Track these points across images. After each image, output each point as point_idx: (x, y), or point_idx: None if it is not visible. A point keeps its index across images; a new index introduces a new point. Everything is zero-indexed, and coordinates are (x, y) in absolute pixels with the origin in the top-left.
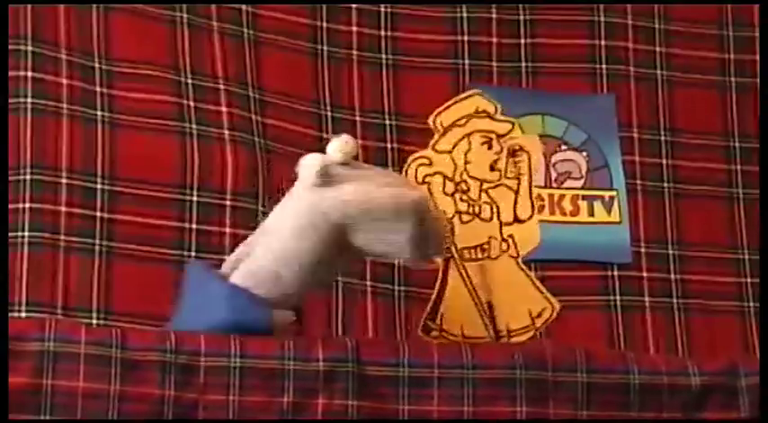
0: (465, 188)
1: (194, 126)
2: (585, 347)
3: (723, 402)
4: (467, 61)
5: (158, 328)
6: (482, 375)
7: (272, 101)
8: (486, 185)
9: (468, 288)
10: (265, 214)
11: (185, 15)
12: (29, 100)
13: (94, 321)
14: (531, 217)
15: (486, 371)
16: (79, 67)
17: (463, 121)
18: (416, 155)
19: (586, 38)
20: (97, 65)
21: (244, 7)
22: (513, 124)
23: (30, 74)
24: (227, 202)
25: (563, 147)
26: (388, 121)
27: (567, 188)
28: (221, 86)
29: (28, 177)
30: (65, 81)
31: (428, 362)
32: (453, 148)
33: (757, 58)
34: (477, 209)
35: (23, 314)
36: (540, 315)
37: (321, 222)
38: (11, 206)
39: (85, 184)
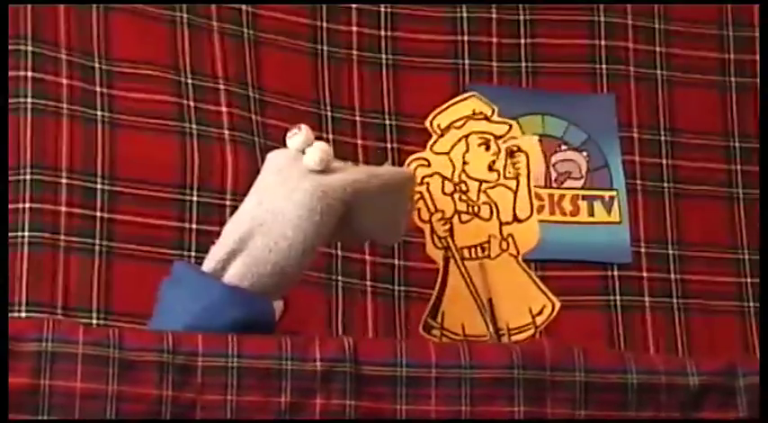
0: (464, 188)
1: (194, 126)
2: (583, 347)
3: (721, 402)
4: (467, 61)
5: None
6: (480, 375)
7: (272, 101)
8: (484, 186)
9: (468, 286)
10: None
11: (185, 15)
12: (29, 100)
13: (94, 321)
14: (530, 216)
15: (484, 370)
16: (79, 67)
17: (460, 123)
18: (414, 156)
19: (586, 38)
20: (97, 65)
21: (244, 7)
22: (510, 126)
23: (30, 74)
24: (227, 202)
25: (563, 147)
26: (388, 121)
27: (566, 188)
28: (221, 86)
29: (28, 177)
30: (65, 81)
31: (425, 362)
32: (451, 149)
33: (757, 58)
34: (476, 209)
35: (23, 314)
36: (540, 313)
37: (325, 206)
38: (11, 206)
39: (85, 184)
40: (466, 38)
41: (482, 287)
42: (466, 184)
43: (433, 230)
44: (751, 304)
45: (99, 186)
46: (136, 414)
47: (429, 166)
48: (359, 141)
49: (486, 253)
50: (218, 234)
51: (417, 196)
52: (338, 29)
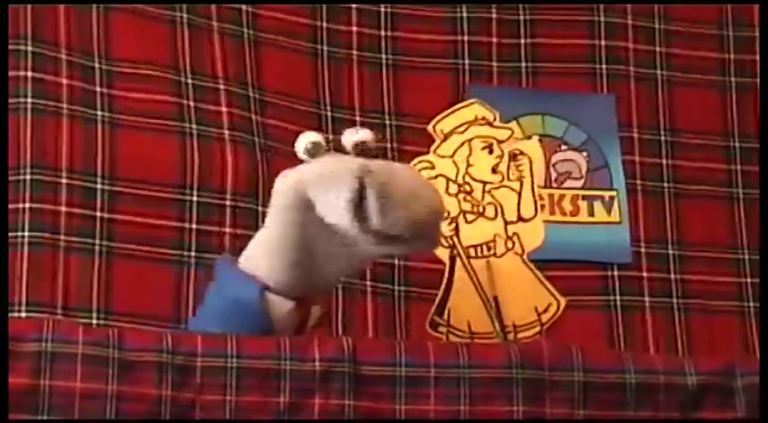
0: (468, 189)
1: (194, 126)
2: (582, 347)
3: (719, 402)
4: (467, 61)
5: (158, 328)
6: (479, 375)
7: (272, 101)
8: (489, 187)
9: (474, 284)
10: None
11: (185, 15)
12: (29, 100)
13: (94, 321)
14: (534, 216)
15: (483, 370)
16: (79, 67)
17: (463, 128)
18: (419, 158)
19: (586, 38)
20: (97, 65)
21: (244, 7)
22: (512, 131)
23: (30, 74)
24: (227, 202)
25: (563, 147)
26: (388, 121)
27: (567, 188)
28: (221, 86)
29: (28, 177)
30: (65, 81)
31: (424, 361)
32: (454, 152)
33: (757, 58)
34: (481, 208)
35: (23, 314)
36: (546, 310)
37: (290, 200)
38: (11, 206)
39: (85, 184)
40: (466, 38)
41: (488, 285)
42: (470, 186)
43: None
44: (751, 304)
45: (99, 186)
46: (135, 414)
47: (433, 168)
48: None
49: (492, 252)
50: (218, 234)
51: None
52: (338, 29)
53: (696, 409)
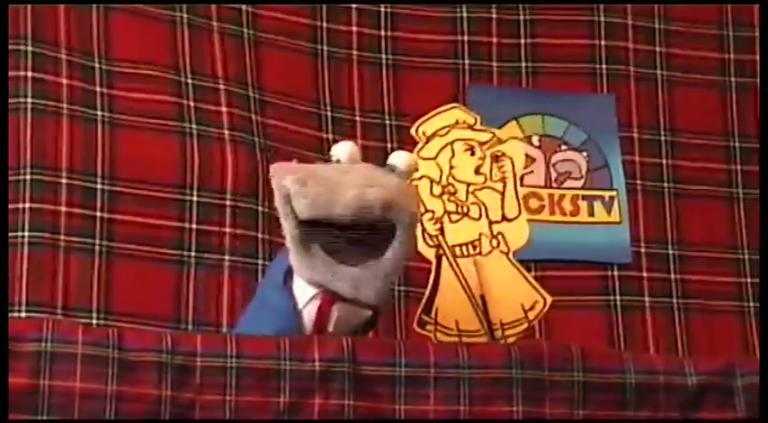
0: (452, 190)
1: (194, 126)
2: (581, 347)
3: (719, 402)
4: (467, 61)
5: (157, 328)
6: (478, 375)
7: (272, 101)
8: (472, 188)
9: (461, 283)
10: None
11: (185, 15)
12: (29, 100)
13: (94, 321)
14: (518, 216)
15: (483, 370)
16: (79, 67)
17: (445, 131)
18: None
19: (586, 38)
20: (97, 65)
21: (244, 7)
22: (493, 134)
23: (30, 74)
24: (227, 202)
25: (563, 147)
26: (387, 121)
27: (567, 188)
28: (221, 86)
29: (28, 177)
30: (65, 81)
31: (424, 361)
32: (437, 154)
33: (757, 58)
34: (465, 209)
35: (23, 314)
36: (532, 308)
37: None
38: (11, 206)
39: (85, 184)
40: (466, 38)
41: (474, 284)
42: (454, 187)
43: (423, 230)
44: (751, 304)
45: (99, 186)
46: (135, 414)
47: (416, 169)
48: (359, 141)
49: (478, 250)
50: (218, 234)
51: None
52: (338, 29)
53: (696, 409)
